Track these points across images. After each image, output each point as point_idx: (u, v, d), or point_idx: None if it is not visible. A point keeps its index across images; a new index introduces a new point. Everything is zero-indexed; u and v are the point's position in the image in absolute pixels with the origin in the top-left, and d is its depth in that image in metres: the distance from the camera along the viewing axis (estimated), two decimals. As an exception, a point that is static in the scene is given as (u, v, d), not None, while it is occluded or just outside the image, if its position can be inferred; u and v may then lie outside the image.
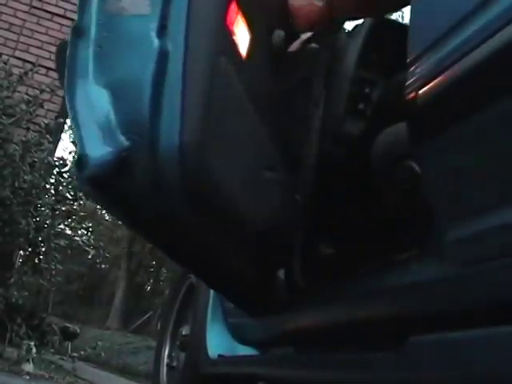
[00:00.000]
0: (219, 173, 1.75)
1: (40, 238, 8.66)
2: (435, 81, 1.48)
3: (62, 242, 9.30)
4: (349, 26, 3.06)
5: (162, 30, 1.72)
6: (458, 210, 1.46)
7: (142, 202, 1.80)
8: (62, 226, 9.36)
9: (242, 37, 1.91)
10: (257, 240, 2.04)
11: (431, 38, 1.54)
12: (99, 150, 1.71)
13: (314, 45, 2.40)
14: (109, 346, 17.94)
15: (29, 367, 7.93)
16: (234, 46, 1.86)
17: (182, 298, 3.63)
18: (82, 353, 12.98)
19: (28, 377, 7.12)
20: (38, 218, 8.61)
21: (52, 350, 10.29)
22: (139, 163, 1.73)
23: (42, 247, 8.82)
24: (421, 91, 1.52)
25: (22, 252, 9.56)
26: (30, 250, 9.02)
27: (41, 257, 8.95)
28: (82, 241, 12.27)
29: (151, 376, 4.00)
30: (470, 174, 1.42)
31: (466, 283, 1.43)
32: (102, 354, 13.34)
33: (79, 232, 11.30)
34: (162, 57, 1.70)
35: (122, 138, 1.72)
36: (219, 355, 2.69)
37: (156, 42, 1.71)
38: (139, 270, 33.08)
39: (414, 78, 1.58)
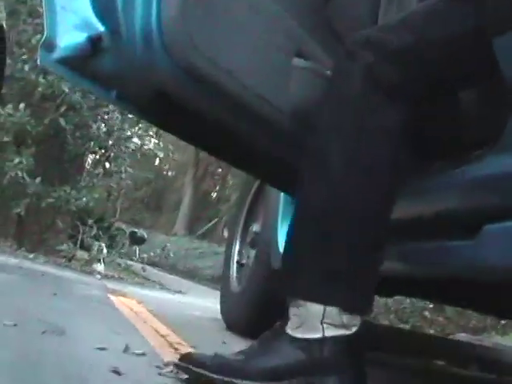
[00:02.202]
0: (206, 48, 1.77)
1: (110, 142, 8.79)
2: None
3: (132, 146, 9.43)
4: None
5: None
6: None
7: (132, 80, 1.88)
8: (131, 132, 9.43)
9: None
10: (288, 127, 2.03)
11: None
12: (74, 35, 1.83)
13: None
14: (175, 250, 18.30)
15: (100, 267, 8.18)
16: None
17: (252, 196, 3.67)
18: (152, 253, 13.33)
19: (99, 276, 7.34)
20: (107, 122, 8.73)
21: (122, 251, 10.55)
22: (118, 45, 1.82)
23: (113, 151, 8.96)
24: None
25: (92, 156, 9.74)
26: (100, 153, 9.18)
27: (111, 160, 9.09)
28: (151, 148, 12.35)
29: (219, 277, 4.07)
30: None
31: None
32: (171, 255, 13.59)
33: (146, 139, 11.37)
34: None
35: (97, 24, 1.81)
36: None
37: None
38: (205, 177, 33.46)
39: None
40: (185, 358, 1.65)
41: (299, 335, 1.56)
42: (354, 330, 1.56)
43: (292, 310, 1.58)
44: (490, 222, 1.46)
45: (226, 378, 1.52)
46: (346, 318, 1.55)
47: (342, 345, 1.55)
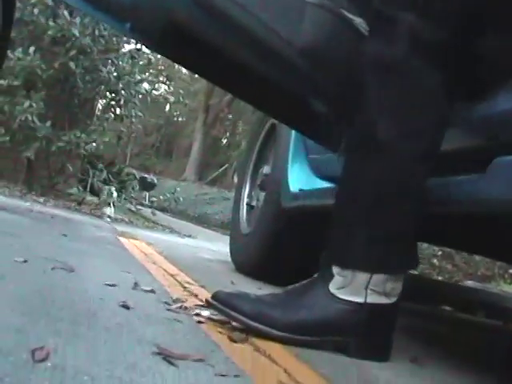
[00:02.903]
0: None
1: (120, 86, 8.74)
2: None
3: (143, 90, 9.37)
4: None
5: None
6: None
7: (144, 12, 1.89)
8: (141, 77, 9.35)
9: None
10: (299, 62, 2.01)
11: None
12: None
13: None
14: (185, 196, 18.35)
15: (110, 211, 8.20)
16: None
17: (262, 139, 3.67)
18: (162, 197, 13.36)
19: (109, 219, 7.37)
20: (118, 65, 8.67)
21: (132, 195, 10.57)
22: None
23: (123, 96, 8.91)
24: None
25: (102, 101, 9.70)
26: (110, 98, 9.14)
27: (121, 104, 9.05)
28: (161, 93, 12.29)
29: (228, 223, 4.09)
30: None
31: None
32: (181, 199, 13.60)
33: (157, 85, 11.33)
34: None
35: None
36: (300, 189, 2.73)
37: None
38: (216, 123, 33.37)
39: None
40: (219, 298, 1.60)
41: (341, 296, 1.57)
42: (393, 300, 1.59)
43: (336, 270, 1.58)
44: (500, 156, 1.46)
45: (262, 327, 1.53)
46: (389, 286, 1.57)
47: (378, 314, 1.58)
